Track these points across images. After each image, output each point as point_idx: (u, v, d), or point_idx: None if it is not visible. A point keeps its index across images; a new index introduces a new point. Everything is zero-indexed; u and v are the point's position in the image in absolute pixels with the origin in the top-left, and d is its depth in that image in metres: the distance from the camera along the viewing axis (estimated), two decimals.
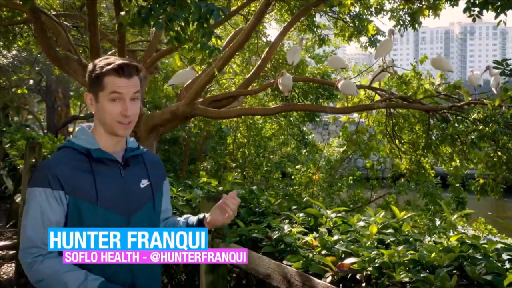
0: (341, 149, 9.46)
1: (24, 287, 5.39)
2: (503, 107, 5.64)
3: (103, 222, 1.82)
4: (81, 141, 1.90)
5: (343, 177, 9.80)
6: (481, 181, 6.60)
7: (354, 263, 2.24)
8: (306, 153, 11.27)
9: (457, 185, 8.45)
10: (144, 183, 1.97)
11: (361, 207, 8.41)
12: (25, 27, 9.41)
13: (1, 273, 5.97)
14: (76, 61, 6.75)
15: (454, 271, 2.12)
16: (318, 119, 11.63)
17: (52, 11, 8.67)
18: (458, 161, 7.15)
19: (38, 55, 13.50)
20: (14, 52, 15.23)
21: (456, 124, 6.07)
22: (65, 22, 8.53)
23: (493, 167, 5.79)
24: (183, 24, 3.01)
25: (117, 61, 1.85)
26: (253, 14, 7.02)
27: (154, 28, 3.56)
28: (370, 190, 9.43)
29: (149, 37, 9.09)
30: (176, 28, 3.01)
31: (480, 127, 5.36)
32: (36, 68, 16.41)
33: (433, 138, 6.72)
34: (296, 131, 12.19)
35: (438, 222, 7.97)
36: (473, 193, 7.00)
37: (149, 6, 2.85)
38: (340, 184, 9.37)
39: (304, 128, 12.99)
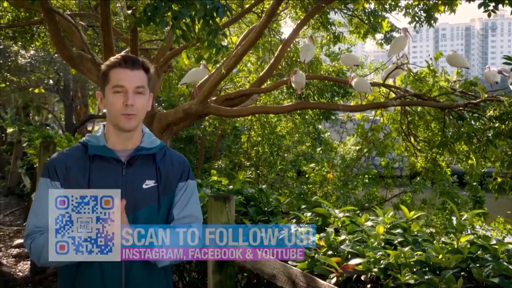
0: (357, 147, 9.37)
1: (39, 284, 5.46)
2: None
3: None
4: (92, 138, 1.93)
5: (359, 175, 9.68)
6: (499, 179, 6.44)
7: (359, 264, 2.19)
8: (321, 151, 11.18)
9: (474, 183, 8.29)
10: (149, 184, 1.90)
11: (374, 207, 8.31)
12: (42, 27, 9.49)
13: (17, 270, 6.04)
14: (90, 60, 6.78)
15: (462, 273, 2.06)
16: (333, 117, 11.56)
17: (67, 11, 8.74)
18: (474, 159, 7.01)
19: (55, 55, 13.65)
20: (32, 52, 15.43)
21: (472, 122, 5.95)
22: (80, 22, 8.59)
23: (510, 166, 5.65)
24: (189, 22, 2.99)
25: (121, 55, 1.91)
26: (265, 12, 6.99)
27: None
28: (385, 189, 9.32)
29: (163, 36, 9.11)
30: (182, 26, 2.99)
31: (496, 125, 5.24)
32: (54, 68, 16.60)
33: (449, 135, 6.59)
34: (311, 129, 12.10)
35: (455, 222, 7.80)
36: (491, 192, 6.85)
37: (155, 4, 2.83)
38: (355, 183, 9.26)
39: (320, 126, 12.90)
